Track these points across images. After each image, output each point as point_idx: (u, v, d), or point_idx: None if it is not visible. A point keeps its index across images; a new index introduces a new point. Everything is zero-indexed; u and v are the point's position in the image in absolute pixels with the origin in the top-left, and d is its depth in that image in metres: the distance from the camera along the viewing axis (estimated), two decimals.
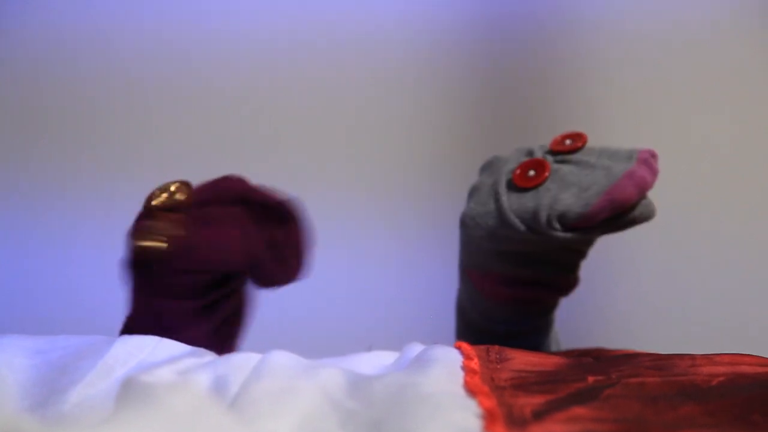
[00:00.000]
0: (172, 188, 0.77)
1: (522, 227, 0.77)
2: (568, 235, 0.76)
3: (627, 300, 1.17)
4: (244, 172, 1.23)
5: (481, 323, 0.85)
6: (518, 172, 0.79)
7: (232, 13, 1.24)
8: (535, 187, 0.78)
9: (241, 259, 0.72)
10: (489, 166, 0.85)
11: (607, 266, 1.18)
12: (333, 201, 1.21)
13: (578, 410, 0.51)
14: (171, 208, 0.75)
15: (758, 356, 0.63)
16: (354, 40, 1.23)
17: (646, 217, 0.80)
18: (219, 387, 0.55)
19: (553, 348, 0.87)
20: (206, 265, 0.72)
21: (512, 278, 0.82)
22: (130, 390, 0.47)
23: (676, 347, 0.73)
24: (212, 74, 1.24)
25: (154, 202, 0.75)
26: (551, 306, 0.85)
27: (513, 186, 0.79)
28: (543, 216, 0.76)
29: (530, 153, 0.81)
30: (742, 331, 1.14)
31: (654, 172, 0.78)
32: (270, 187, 0.76)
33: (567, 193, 0.76)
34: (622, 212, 0.78)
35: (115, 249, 1.21)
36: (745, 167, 1.19)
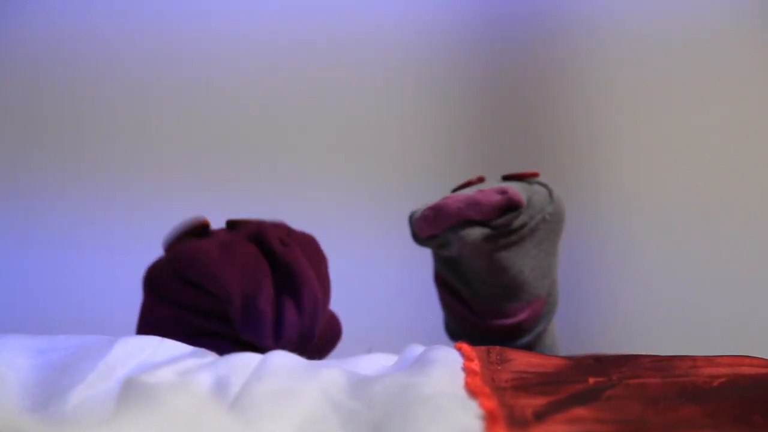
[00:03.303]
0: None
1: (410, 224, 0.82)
2: (415, 240, 0.80)
3: (627, 302, 1.17)
4: (244, 172, 1.23)
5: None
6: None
7: (232, 15, 1.24)
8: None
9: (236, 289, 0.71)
10: None
11: (608, 268, 1.18)
12: (333, 201, 1.21)
13: (579, 411, 0.51)
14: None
15: (758, 358, 0.64)
16: (354, 41, 1.23)
17: (463, 239, 0.79)
18: (220, 388, 0.55)
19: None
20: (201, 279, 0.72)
21: (441, 278, 0.84)
22: (131, 390, 0.47)
23: (676, 348, 0.73)
24: (212, 75, 1.24)
25: None
26: (482, 330, 0.82)
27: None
28: (411, 217, 0.81)
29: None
30: (743, 332, 1.14)
31: (472, 203, 0.77)
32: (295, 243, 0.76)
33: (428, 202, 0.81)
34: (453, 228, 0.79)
35: (115, 249, 1.21)
36: (745, 167, 1.19)
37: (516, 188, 0.78)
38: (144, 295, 0.77)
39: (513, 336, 0.81)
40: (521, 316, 0.80)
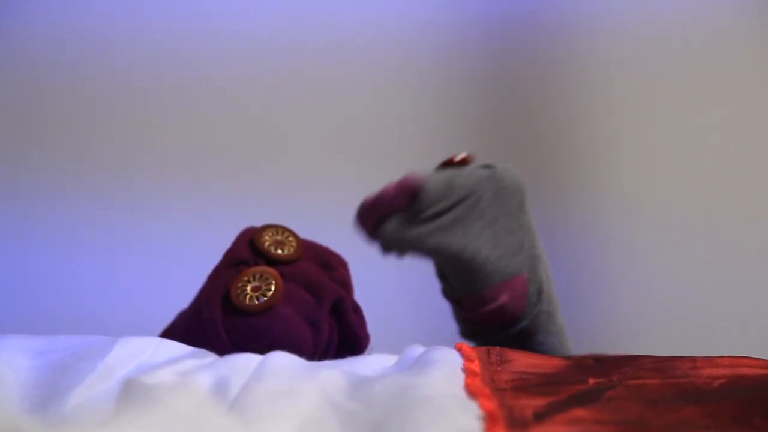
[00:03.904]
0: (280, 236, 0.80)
1: None
2: None
3: (627, 302, 1.17)
4: (244, 172, 1.23)
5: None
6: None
7: (232, 16, 1.24)
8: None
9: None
10: None
11: (608, 268, 1.18)
12: (333, 201, 1.20)
13: (579, 412, 0.51)
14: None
15: (758, 358, 0.63)
16: (354, 42, 1.23)
17: (378, 235, 0.80)
18: (220, 388, 0.55)
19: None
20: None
21: (442, 276, 0.84)
22: (131, 391, 0.47)
23: (676, 349, 0.73)
24: (213, 76, 1.24)
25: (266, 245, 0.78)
26: (476, 321, 0.82)
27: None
28: None
29: None
30: (743, 333, 1.14)
31: (371, 196, 0.78)
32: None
33: None
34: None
35: (115, 249, 1.21)
36: (745, 167, 1.19)
37: (437, 175, 0.79)
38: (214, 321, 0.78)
39: (506, 322, 0.80)
40: (502, 299, 0.79)
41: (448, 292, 0.83)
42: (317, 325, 0.74)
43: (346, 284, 0.79)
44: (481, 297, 0.79)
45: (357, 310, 0.78)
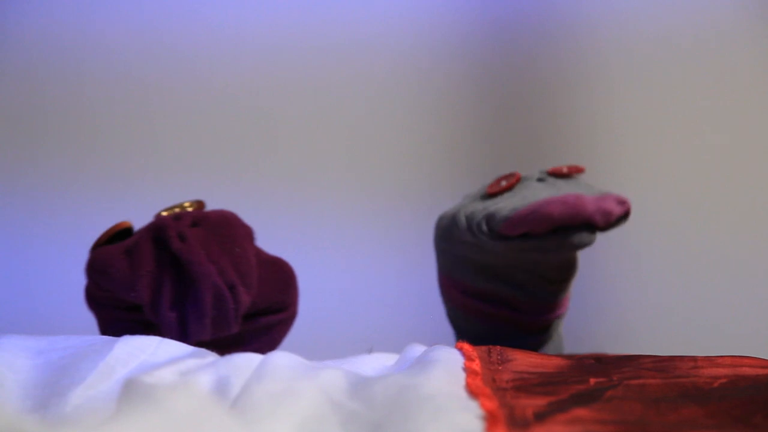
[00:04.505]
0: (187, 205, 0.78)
1: (463, 225, 0.78)
2: (493, 240, 0.76)
3: (628, 302, 1.17)
4: (244, 172, 1.23)
5: (455, 332, 0.85)
6: (492, 182, 0.81)
7: (232, 16, 1.24)
8: (497, 194, 0.79)
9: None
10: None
11: (608, 268, 1.18)
12: (333, 202, 1.20)
13: (580, 412, 0.51)
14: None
15: (759, 358, 0.63)
16: (354, 43, 1.23)
17: (576, 247, 0.77)
18: (220, 388, 0.55)
19: None
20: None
21: (473, 290, 0.82)
22: (131, 391, 0.47)
23: (677, 348, 0.73)
24: (213, 76, 1.24)
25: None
26: (523, 327, 0.82)
27: (484, 194, 0.80)
28: (477, 216, 0.77)
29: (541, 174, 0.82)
30: (743, 332, 1.14)
31: (603, 212, 0.75)
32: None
33: (510, 201, 0.77)
34: (552, 231, 0.75)
35: None
36: (745, 168, 1.19)
37: (586, 192, 0.78)
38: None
39: (547, 329, 0.81)
40: (564, 307, 0.80)
41: (499, 299, 0.82)
42: (133, 252, 0.73)
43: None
44: (554, 304, 0.80)
45: (186, 239, 0.74)
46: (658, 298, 1.16)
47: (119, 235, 0.77)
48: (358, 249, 1.18)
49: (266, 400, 0.52)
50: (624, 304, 1.17)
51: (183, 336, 0.71)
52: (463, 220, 0.79)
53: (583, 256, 1.13)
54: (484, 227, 0.76)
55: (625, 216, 0.78)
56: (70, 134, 1.24)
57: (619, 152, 1.21)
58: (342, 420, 0.51)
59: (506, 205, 0.77)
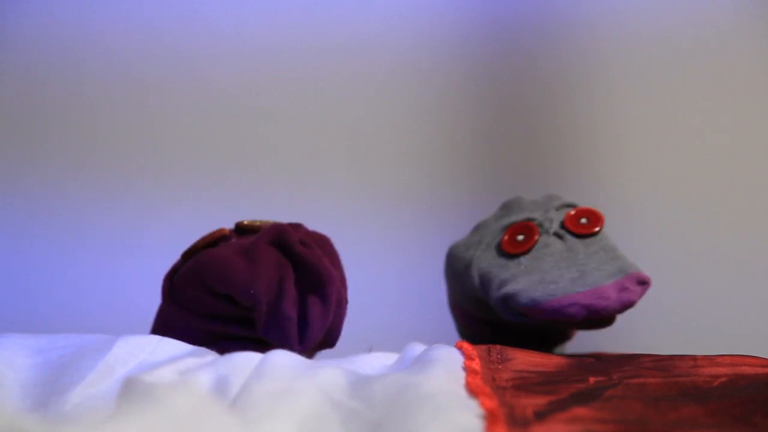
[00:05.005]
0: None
1: (477, 283, 0.77)
2: (509, 315, 0.74)
3: None
4: (247, 173, 1.23)
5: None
6: (506, 237, 0.78)
7: (232, 16, 1.24)
8: (514, 255, 0.77)
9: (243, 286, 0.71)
10: (506, 208, 0.82)
11: None
12: (333, 201, 1.20)
13: (580, 411, 0.51)
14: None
15: (759, 357, 0.63)
16: (354, 44, 1.23)
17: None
18: (220, 387, 0.55)
19: None
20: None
21: (485, 319, 0.81)
22: (131, 390, 0.47)
23: (677, 348, 0.73)
24: (213, 76, 1.24)
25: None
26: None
27: (499, 248, 0.78)
28: (493, 286, 0.75)
29: (546, 209, 0.79)
30: (743, 332, 1.14)
31: (625, 305, 0.72)
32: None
33: (528, 279, 0.74)
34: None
35: (116, 249, 1.21)
36: (745, 168, 1.19)
37: (617, 249, 0.76)
38: (163, 302, 0.76)
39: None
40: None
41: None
42: (252, 252, 0.72)
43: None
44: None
45: (309, 245, 0.75)
46: (658, 298, 1.16)
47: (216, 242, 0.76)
48: (358, 249, 1.18)
49: (266, 399, 0.52)
50: None
51: (300, 337, 0.70)
52: (476, 278, 0.77)
53: None
54: (501, 304, 0.75)
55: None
56: (70, 134, 1.24)
57: (619, 152, 1.21)
58: (342, 419, 0.51)
59: (525, 286, 0.74)
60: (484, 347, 0.66)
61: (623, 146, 1.20)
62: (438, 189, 1.21)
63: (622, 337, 1.12)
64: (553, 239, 0.77)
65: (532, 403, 0.53)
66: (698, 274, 1.17)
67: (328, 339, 0.73)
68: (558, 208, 0.79)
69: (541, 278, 0.74)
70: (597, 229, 0.77)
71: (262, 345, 0.71)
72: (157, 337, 0.65)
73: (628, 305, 0.73)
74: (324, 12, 1.24)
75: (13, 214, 1.23)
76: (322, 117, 1.23)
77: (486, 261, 0.78)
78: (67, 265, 1.21)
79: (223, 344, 0.71)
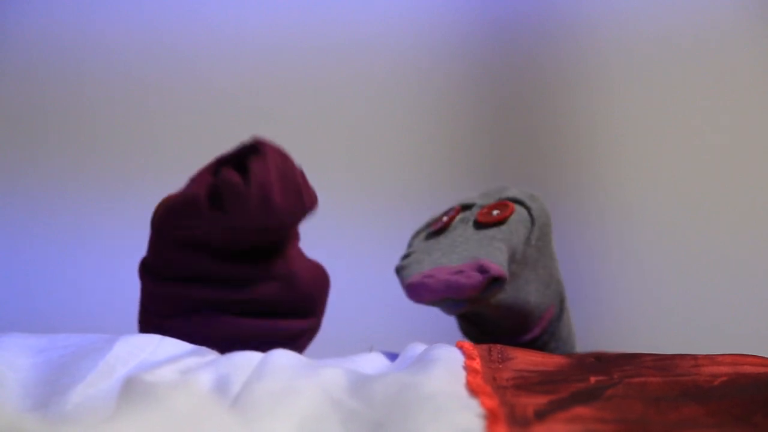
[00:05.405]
0: None
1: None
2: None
3: (628, 301, 1.17)
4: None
5: None
6: (445, 218, 0.79)
7: (232, 16, 1.24)
8: (435, 234, 0.79)
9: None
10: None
11: (608, 267, 1.18)
12: (333, 201, 1.20)
13: (580, 410, 0.51)
14: None
15: (760, 357, 0.63)
16: (354, 44, 1.23)
17: (451, 314, 0.77)
18: (221, 386, 0.55)
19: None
20: None
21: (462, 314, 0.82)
22: (132, 389, 0.47)
23: (677, 347, 0.73)
24: (213, 76, 1.24)
25: None
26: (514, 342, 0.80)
27: (429, 228, 0.80)
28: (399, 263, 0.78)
29: (490, 197, 0.79)
30: (744, 331, 1.14)
31: (454, 288, 0.71)
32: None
33: (419, 256, 0.77)
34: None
35: (116, 249, 1.21)
36: (745, 168, 1.19)
37: (502, 255, 0.73)
38: (141, 286, 0.77)
39: (533, 343, 0.81)
40: (536, 331, 0.79)
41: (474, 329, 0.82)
42: None
43: None
44: (521, 335, 0.79)
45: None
46: (658, 298, 1.16)
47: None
48: (358, 249, 1.18)
49: (266, 399, 0.52)
50: (624, 303, 1.17)
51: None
52: (396, 272, 0.79)
53: (583, 255, 1.13)
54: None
55: (498, 280, 0.72)
56: (70, 134, 1.24)
57: (619, 152, 1.21)
58: (342, 418, 0.51)
59: (413, 261, 0.76)
60: (484, 347, 0.66)
61: (623, 146, 1.20)
62: (438, 189, 1.21)
63: (622, 337, 1.12)
64: (462, 225, 0.78)
65: (533, 402, 0.53)
66: (698, 274, 1.17)
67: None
68: (497, 200, 0.79)
69: (419, 260, 0.76)
70: (494, 220, 0.76)
71: (245, 307, 0.73)
72: (158, 337, 0.65)
73: (455, 288, 0.71)
74: (324, 12, 1.24)
75: (13, 214, 1.23)
76: (322, 117, 1.23)
77: (413, 241, 0.81)
78: (67, 265, 1.21)
79: (204, 312, 0.72)
